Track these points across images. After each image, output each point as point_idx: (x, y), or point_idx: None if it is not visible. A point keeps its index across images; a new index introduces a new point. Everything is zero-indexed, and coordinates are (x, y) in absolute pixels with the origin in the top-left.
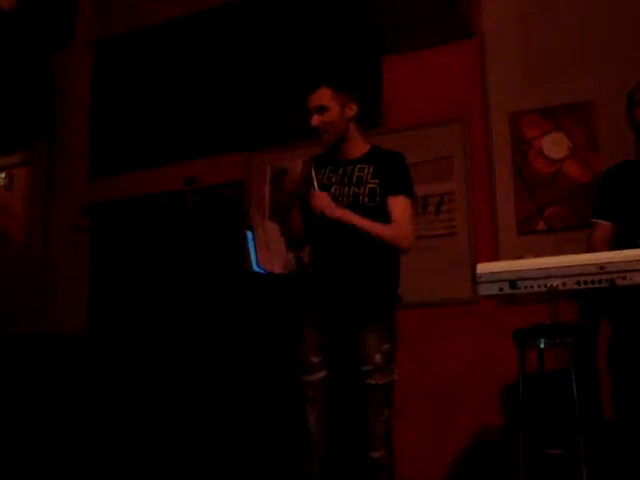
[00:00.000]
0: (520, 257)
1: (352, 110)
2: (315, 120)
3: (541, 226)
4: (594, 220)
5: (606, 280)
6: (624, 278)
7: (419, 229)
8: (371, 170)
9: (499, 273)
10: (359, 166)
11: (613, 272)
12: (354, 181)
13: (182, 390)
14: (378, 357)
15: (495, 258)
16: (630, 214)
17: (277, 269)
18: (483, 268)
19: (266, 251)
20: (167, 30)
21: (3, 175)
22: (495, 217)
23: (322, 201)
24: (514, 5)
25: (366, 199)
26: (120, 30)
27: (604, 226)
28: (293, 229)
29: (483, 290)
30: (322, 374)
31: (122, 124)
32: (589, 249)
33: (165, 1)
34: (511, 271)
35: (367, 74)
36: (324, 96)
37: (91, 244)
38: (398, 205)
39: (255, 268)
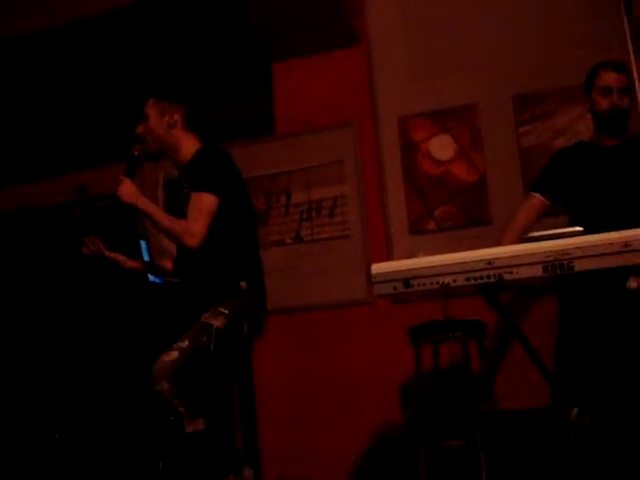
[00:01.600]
0: (412, 256)
1: (172, 118)
2: (139, 128)
3: (431, 226)
4: (530, 193)
5: (494, 275)
6: (511, 273)
7: (315, 232)
8: (185, 175)
9: (393, 272)
10: (182, 174)
11: (500, 267)
12: (178, 189)
13: (75, 403)
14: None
15: (389, 258)
16: (578, 194)
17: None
18: (377, 268)
19: (162, 259)
20: (53, 37)
21: None
22: (387, 218)
23: (123, 187)
24: (399, 12)
25: (183, 205)
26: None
27: (538, 200)
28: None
29: (378, 290)
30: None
31: (6, 135)
32: (510, 219)
33: (47, 7)
34: (404, 270)
35: (258, 82)
36: (147, 105)
37: None
38: (192, 202)
39: (151, 278)
